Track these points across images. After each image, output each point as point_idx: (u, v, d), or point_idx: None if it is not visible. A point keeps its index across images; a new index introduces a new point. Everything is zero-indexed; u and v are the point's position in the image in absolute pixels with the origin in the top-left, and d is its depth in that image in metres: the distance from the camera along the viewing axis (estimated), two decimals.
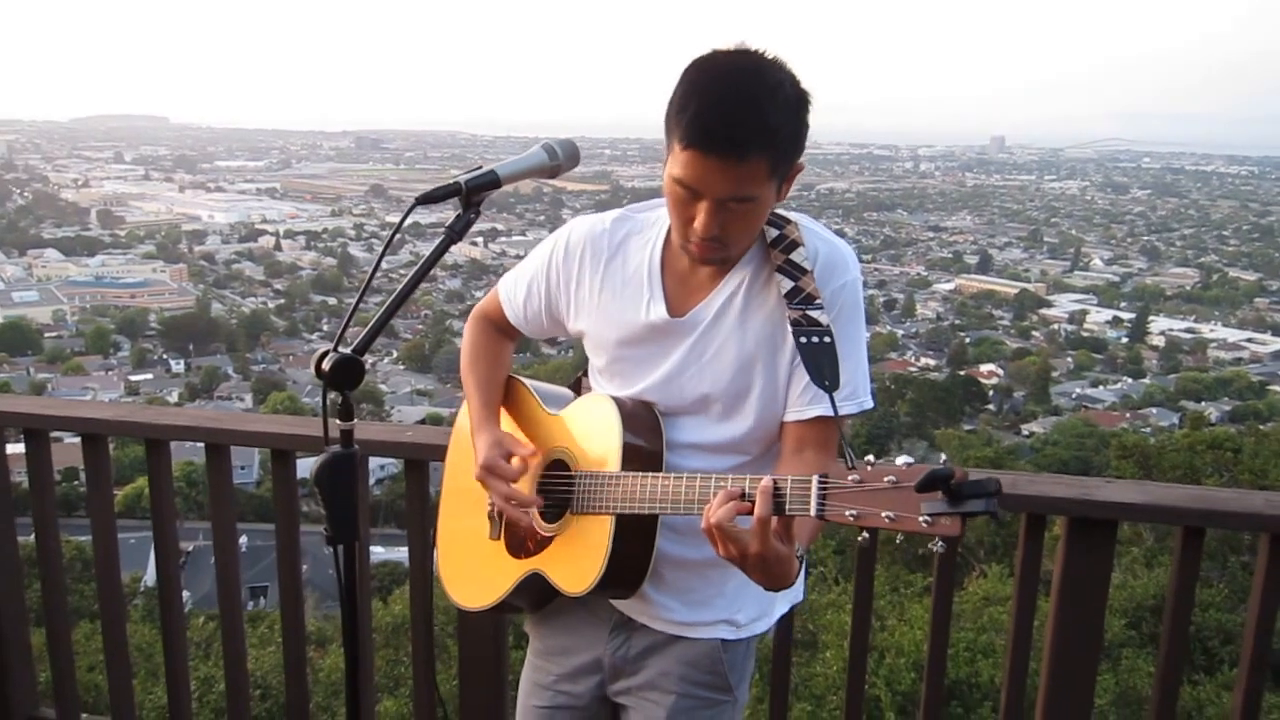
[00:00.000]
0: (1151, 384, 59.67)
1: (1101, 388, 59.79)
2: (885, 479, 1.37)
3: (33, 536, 2.96)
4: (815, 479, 1.42)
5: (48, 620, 3.01)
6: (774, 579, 1.52)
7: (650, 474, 1.67)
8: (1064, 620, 2.36)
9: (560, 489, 1.83)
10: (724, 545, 1.49)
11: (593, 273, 1.85)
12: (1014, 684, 2.46)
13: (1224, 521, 2.35)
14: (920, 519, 1.34)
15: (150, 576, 13.27)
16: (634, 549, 1.73)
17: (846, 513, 1.39)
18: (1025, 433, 47.36)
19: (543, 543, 1.85)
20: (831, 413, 1.67)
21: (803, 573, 1.98)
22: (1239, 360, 65.93)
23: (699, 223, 1.60)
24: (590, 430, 1.81)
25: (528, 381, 2.02)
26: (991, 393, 56.04)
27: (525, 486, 1.86)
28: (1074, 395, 57.78)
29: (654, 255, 1.81)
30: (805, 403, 1.72)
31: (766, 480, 1.47)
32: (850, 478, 1.40)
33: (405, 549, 2.75)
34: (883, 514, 1.36)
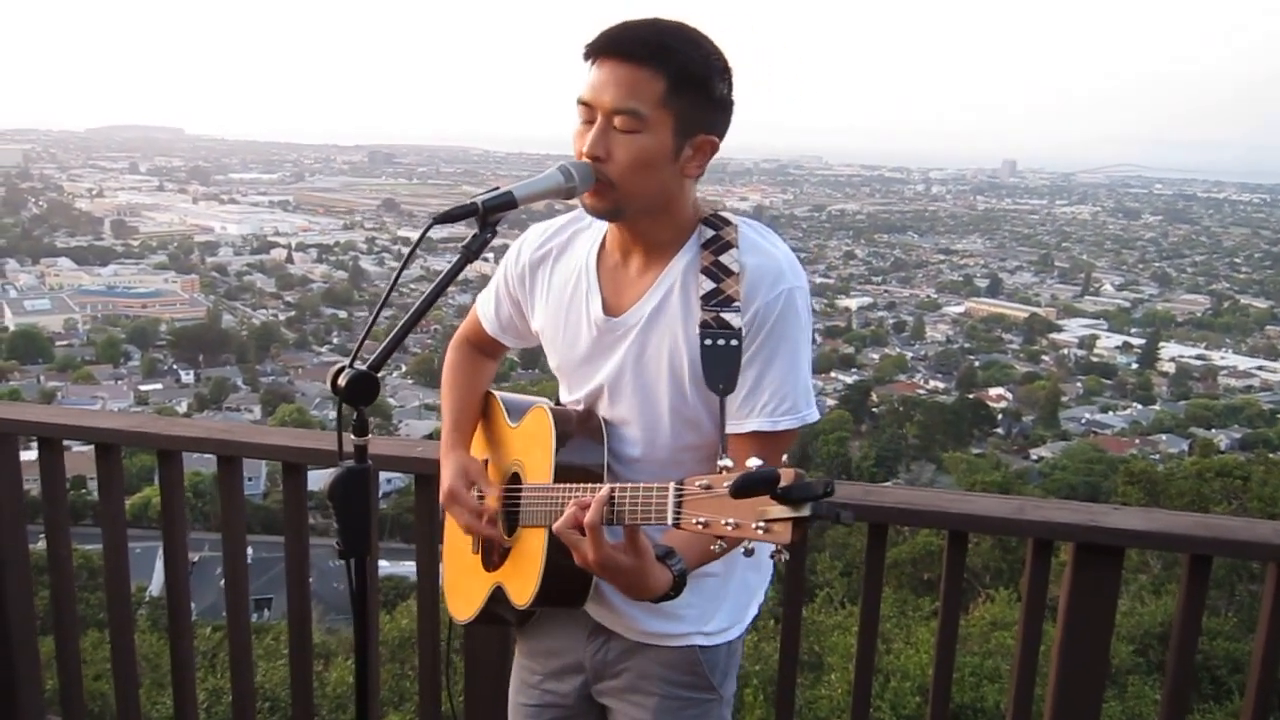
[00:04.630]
0: (1161, 410, 59.40)
1: (1111, 413, 59.51)
2: (725, 484, 1.32)
3: (41, 544, 2.98)
4: (672, 486, 1.40)
5: (56, 629, 3.02)
6: (631, 589, 1.55)
7: (575, 485, 1.68)
8: (1070, 646, 2.36)
9: (515, 502, 1.88)
10: (573, 552, 1.53)
11: (545, 273, 1.92)
12: (1019, 710, 2.45)
13: (1231, 550, 2.35)
14: (754, 526, 1.29)
15: (156, 586, 13.27)
16: (571, 561, 1.72)
17: (695, 521, 1.35)
18: (1034, 457, 47.16)
19: (504, 555, 1.90)
20: (768, 427, 1.69)
21: (769, 571, 2.00)
22: (1249, 388, 65.64)
23: (585, 141, 1.65)
24: (533, 443, 1.86)
25: (500, 395, 2.07)
26: (1000, 416, 55.88)
27: (493, 504, 1.92)
28: (1083, 420, 57.52)
29: (592, 251, 1.85)
30: (743, 416, 1.71)
31: (606, 489, 1.49)
32: (698, 483, 1.36)
33: (411, 563, 2.77)
34: (723, 521, 1.32)
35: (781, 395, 1.69)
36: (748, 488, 1.26)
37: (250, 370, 61.63)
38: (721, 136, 1.71)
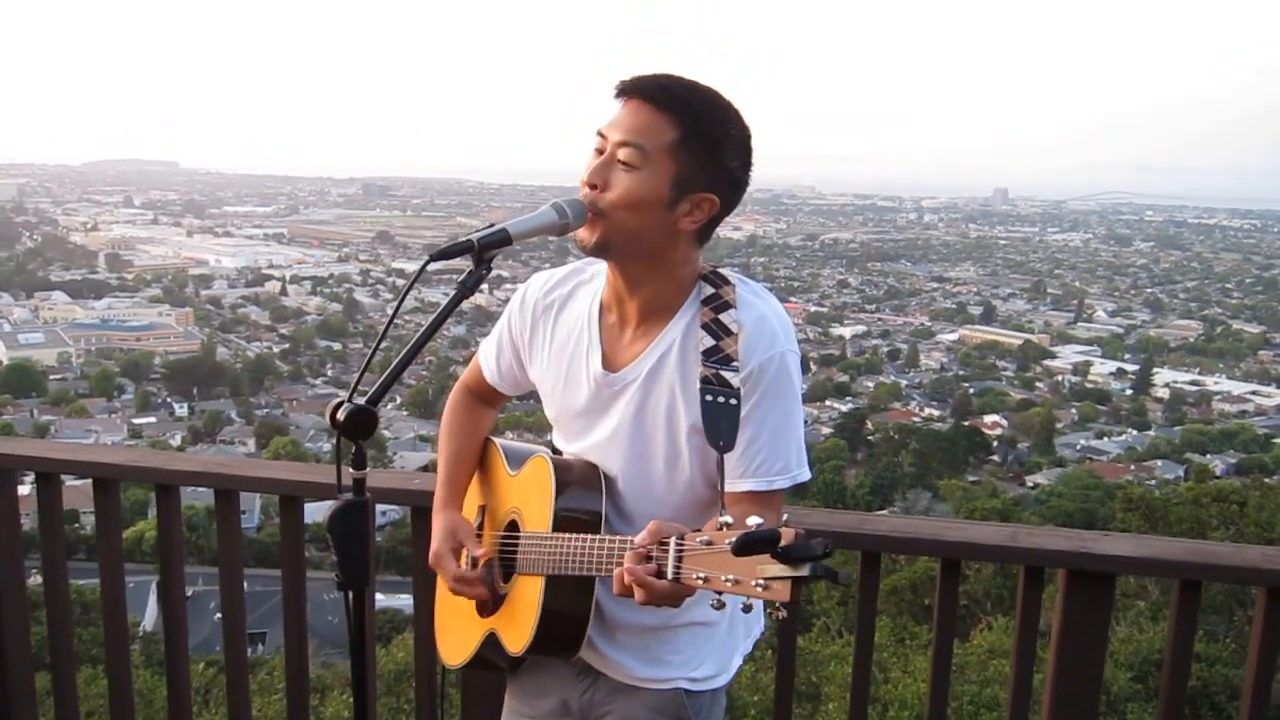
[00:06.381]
0: (1156, 436, 59.41)
1: (1106, 439, 59.51)
2: (726, 541, 1.36)
3: (36, 578, 2.98)
4: (673, 541, 1.43)
5: (53, 664, 3.01)
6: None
7: (575, 535, 1.71)
8: (1063, 673, 2.38)
9: (511, 549, 1.89)
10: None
11: (545, 324, 1.94)
12: None
13: (1220, 575, 2.38)
14: (754, 583, 1.32)
15: (149, 621, 13.15)
16: (567, 610, 1.77)
17: (695, 576, 1.38)
18: (1030, 484, 47.09)
19: (499, 602, 1.92)
20: (764, 487, 1.72)
21: (759, 626, 2.03)
22: (1244, 413, 65.69)
23: (589, 169, 1.70)
24: (533, 492, 1.87)
25: (500, 443, 2.09)
26: (995, 443, 55.83)
27: (481, 564, 1.93)
28: (1078, 446, 57.51)
29: (594, 305, 1.88)
30: (737, 475, 1.73)
31: (641, 549, 1.49)
32: (699, 539, 1.39)
33: (406, 596, 2.78)
34: (723, 577, 1.35)
35: (775, 455, 1.73)
36: (749, 546, 1.30)
37: (244, 403, 61.48)
38: (726, 203, 1.71)
